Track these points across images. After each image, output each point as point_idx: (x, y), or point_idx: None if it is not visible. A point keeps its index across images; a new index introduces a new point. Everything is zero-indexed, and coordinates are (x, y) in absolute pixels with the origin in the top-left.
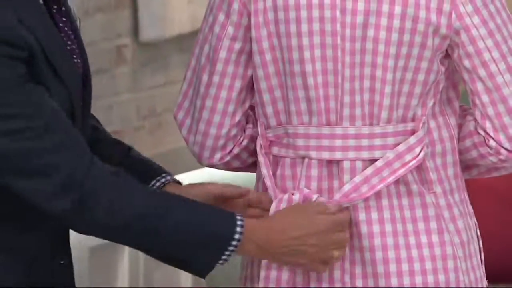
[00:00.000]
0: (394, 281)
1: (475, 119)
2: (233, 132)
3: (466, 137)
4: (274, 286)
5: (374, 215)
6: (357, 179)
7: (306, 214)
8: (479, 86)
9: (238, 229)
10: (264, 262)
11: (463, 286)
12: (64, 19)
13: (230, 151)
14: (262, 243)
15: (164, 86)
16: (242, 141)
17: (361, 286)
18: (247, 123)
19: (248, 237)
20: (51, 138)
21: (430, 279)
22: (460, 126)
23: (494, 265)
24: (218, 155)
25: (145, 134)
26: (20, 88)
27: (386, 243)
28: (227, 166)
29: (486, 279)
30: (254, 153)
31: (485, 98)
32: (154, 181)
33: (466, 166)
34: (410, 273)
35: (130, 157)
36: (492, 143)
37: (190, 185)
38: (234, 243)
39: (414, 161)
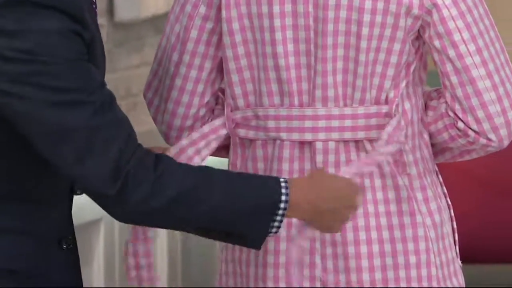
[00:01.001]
0: (364, 263)
1: (446, 101)
2: (201, 112)
3: (438, 119)
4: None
5: None
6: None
7: (337, 178)
8: (449, 67)
9: (283, 190)
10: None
11: (434, 267)
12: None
13: None
14: (313, 201)
15: (140, 67)
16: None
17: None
18: (216, 104)
19: (296, 198)
20: (108, 116)
21: (401, 260)
22: (434, 109)
23: (468, 245)
24: (185, 135)
25: None
26: (83, 64)
27: (357, 224)
28: None
29: (461, 260)
30: None
31: (454, 79)
32: None
33: (440, 149)
34: (381, 255)
35: None
36: (460, 124)
37: None
38: (282, 205)
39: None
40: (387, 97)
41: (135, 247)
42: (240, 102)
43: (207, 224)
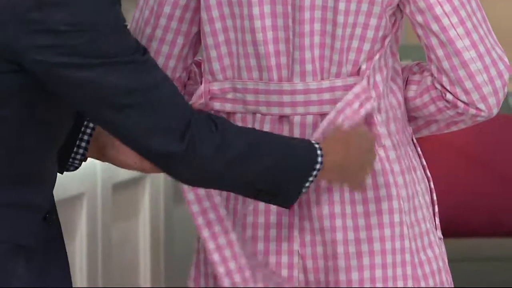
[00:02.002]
0: (339, 236)
1: (431, 74)
2: None
3: (424, 92)
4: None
5: None
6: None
7: (353, 132)
8: (433, 40)
9: (319, 152)
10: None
11: (408, 240)
12: None
13: None
14: (339, 165)
15: None
16: None
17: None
18: (188, 79)
19: (327, 161)
20: (162, 72)
21: (375, 233)
22: (417, 83)
23: (449, 219)
24: None
25: None
26: (127, 28)
27: (333, 198)
28: None
29: (445, 233)
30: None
31: (439, 52)
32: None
33: (425, 122)
34: (355, 229)
35: None
36: (449, 96)
37: None
38: (318, 167)
39: (367, 106)
40: (360, 69)
41: (215, 242)
42: (219, 76)
43: (261, 182)
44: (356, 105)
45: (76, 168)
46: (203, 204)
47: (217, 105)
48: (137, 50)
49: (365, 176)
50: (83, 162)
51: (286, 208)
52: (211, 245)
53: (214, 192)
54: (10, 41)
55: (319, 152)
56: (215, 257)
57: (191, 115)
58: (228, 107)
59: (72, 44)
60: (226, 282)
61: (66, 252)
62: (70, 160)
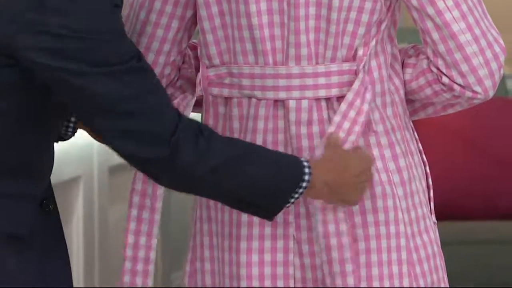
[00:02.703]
0: (332, 224)
1: (427, 57)
2: (167, 71)
3: (420, 75)
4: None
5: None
6: (336, 119)
7: (351, 153)
8: (429, 24)
9: (306, 170)
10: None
11: (403, 224)
12: None
13: None
14: (330, 184)
15: None
16: (177, 81)
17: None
18: (183, 63)
19: (316, 179)
20: (155, 79)
21: (370, 218)
22: (413, 66)
23: (445, 202)
24: None
25: None
26: (126, 34)
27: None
28: None
29: (440, 217)
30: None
31: (435, 35)
32: None
33: (421, 105)
34: (349, 213)
35: None
36: (445, 79)
37: None
38: (304, 184)
39: (367, 97)
40: (355, 55)
41: (137, 238)
42: (216, 61)
43: (242, 193)
44: (357, 102)
45: (70, 137)
46: (145, 201)
47: (215, 90)
48: (133, 56)
49: (359, 196)
50: (80, 145)
51: (268, 220)
52: (130, 240)
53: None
54: (11, 39)
55: (306, 170)
56: (128, 252)
57: (179, 121)
58: (225, 92)
59: (71, 49)
60: (125, 278)
61: (65, 242)
62: (63, 128)
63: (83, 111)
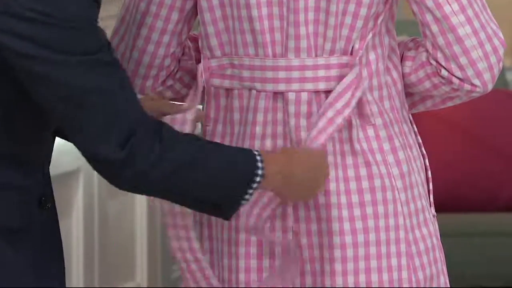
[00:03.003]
0: (334, 212)
1: (426, 50)
2: (166, 62)
3: (419, 68)
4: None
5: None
6: (322, 110)
7: (308, 150)
8: (428, 16)
9: (259, 164)
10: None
11: (402, 217)
12: None
13: (163, 82)
14: (284, 176)
15: (114, 18)
16: (176, 72)
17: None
18: (183, 54)
19: (270, 171)
20: (122, 77)
21: (369, 210)
22: (412, 59)
23: (445, 194)
24: (149, 84)
25: None
26: (98, 26)
27: (327, 177)
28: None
29: (439, 209)
30: (188, 85)
31: (434, 28)
32: None
33: (421, 98)
34: (348, 206)
35: None
36: (444, 72)
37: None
38: (258, 179)
39: (357, 94)
40: (353, 48)
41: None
42: (217, 52)
43: (198, 195)
44: (348, 95)
45: None
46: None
47: (216, 81)
48: (103, 48)
49: (315, 192)
50: None
51: (226, 220)
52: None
53: None
54: None
55: (260, 164)
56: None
57: (138, 124)
58: (226, 83)
59: (36, 34)
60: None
61: (60, 238)
62: None
63: (45, 101)
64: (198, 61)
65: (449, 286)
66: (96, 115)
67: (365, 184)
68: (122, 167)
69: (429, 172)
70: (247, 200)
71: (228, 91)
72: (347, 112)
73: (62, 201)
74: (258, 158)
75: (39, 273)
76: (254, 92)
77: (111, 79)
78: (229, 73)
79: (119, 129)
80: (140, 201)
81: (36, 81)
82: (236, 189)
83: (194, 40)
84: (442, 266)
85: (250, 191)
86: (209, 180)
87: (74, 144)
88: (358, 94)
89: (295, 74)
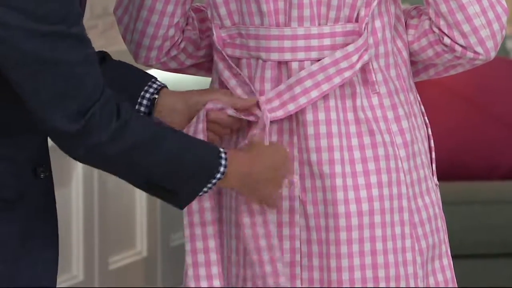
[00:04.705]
0: (339, 181)
1: (429, 18)
2: (171, 33)
3: (422, 36)
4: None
5: (322, 116)
6: (302, 73)
7: (272, 149)
8: None
9: (222, 162)
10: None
11: (405, 186)
12: None
13: (167, 52)
14: (243, 176)
15: None
16: (180, 43)
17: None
18: (187, 24)
19: (231, 170)
20: (84, 51)
21: (373, 179)
22: (415, 27)
23: (447, 162)
24: (153, 55)
25: (98, 34)
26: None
27: (332, 144)
28: (164, 67)
29: (441, 177)
30: (192, 56)
31: None
32: (145, 89)
33: (423, 66)
34: (353, 175)
35: (109, 64)
36: (446, 40)
37: (189, 93)
38: (218, 175)
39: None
40: (358, 16)
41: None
42: (226, 22)
43: (155, 178)
44: (355, 57)
45: None
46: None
47: (229, 50)
48: (75, 22)
49: (275, 191)
50: None
51: (179, 209)
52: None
53: None
54: None
55: (223, 162)
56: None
57: (97, 99)
58: (237, 52)
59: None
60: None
61: (55, 208)
62: None
63: (5, 70)
64: (202, 32)
65: (449, 254)
66: (55, 86)
67: (369, 152)
68: (77, 139)
69: (432, 141)
70: (204, 193)
71: (238, 60)
72: (347, 74)
73: (62, 170)
74: (222, 155)
75: (32, 243)
76: (260, 61)
77: (76, 52)
78: (238, 42)
79: (77, 101)
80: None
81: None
82: (195, 181)
83: (198, 11)
84: (443, 235)
85: (209, 185)
86: (168, 165)
87: (30, 110)
88: (365, 58)
89: (301, 43)
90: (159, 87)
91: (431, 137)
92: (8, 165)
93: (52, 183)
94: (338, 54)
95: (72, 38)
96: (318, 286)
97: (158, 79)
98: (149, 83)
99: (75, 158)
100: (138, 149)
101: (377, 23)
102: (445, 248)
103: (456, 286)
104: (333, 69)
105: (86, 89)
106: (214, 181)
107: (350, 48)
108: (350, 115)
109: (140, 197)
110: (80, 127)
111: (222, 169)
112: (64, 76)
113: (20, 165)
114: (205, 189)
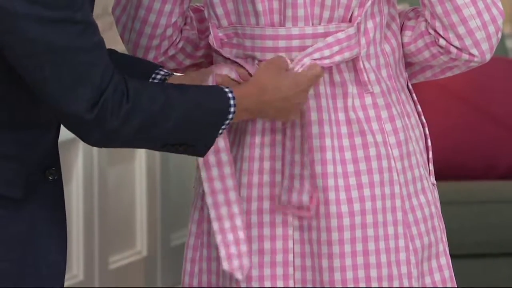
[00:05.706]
0: (330, 182)
1: (425, 20)
2: (169, 32)
3: (418, 38)
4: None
5: (314, 116)
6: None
7: (286, 74)
8: None
9: (231, 102)
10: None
11: (398, 185)
12: None
13: (165, 52)
14: (253, 108)
15: None
16: (178, 42)
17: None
18: (185, 24)
19: (240, 107)
20: (92, 37)
21: (364, 179)
22: (412, 28)
23: (444, 162)
24: (151, 55)
25: None
26: None
27: (325, 144)
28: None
29: (438, 177)
30: (190, 56)
31: None
32: (152, 77)
33: (420, 68)
34: (344, 175)
35: (115, 56)
36: (442, 42)
37: (193, 74)
38: (230, 116)
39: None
40: (352, 16)
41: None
42: (224, 22)
43: (170, 139)
44: (345, 44)
45: None
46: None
47: (226, 50)
48: (81, 8)
49: (290, 116)
50: None
51: (200, 156)
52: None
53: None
54: None
55: (232, 102)
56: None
57: (106, 87)
58: (234, 52)
59: None
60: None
61: (64, 212)
62: None
63: (13, 60)
64: (200, 32)
65: (448, 254)
66: (66, 74)
67: (360, 153)
68: (91, 125)
69: (429, 141)
70: (220, 135)
71: (235, 59)
72: (337, 59)
73: (62, 168)
74: (229, 95)
75: (39, 244)
76: (256, 61)
77: (84, 39)
78: (235, 42)
79: (90, 87)
80: (140, 168)
81: (5, 36)
82: (210, 130)
83: (197, 11)
84: (441, 235)
85: (223, 126)
86: (181, 124)
87: (44, 101)
88: (347, 55)
89: (295, 42)
90: (166, 75)
91: (428, 137)
92: (17, 165)
93: (61, 186)
94: (330, 39)
95: (80, 25)
96: (311, 286)
97: (163, 67)
98: (156, 71)
99: (90, 143)
100: (150, 124)
101: (369, 24)
102: (443, 247)
103: (455, 286)
104: (318, 55)
105: (96, 75)
106: (227, 122)
107: (341, 35)
108: (341, 116)
109: (140, 195)
110: (96, 115)
111: (232, 109)
112: (75, 62)
113: (30, 166)
114: (220, 132)
